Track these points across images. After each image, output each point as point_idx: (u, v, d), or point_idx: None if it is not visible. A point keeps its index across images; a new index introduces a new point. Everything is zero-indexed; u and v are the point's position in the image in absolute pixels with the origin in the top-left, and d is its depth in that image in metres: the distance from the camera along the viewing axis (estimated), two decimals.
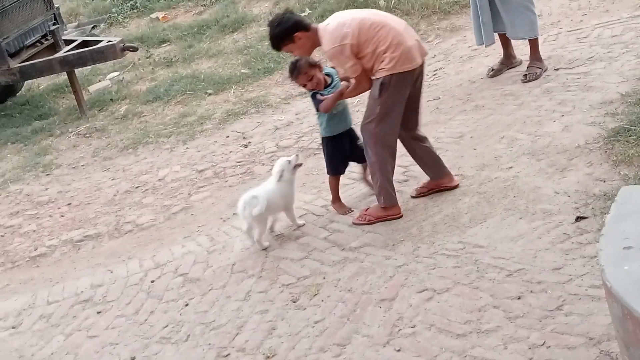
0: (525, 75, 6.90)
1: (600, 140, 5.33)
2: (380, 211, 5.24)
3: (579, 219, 4.50)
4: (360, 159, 5.46)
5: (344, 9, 9.78)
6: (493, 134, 5.99)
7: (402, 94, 5.03)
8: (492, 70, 7.29)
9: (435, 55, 8.54)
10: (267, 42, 9.82)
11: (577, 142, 5.43)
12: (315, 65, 5.28)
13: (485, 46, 7.27)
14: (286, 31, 5.04)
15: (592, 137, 5.42)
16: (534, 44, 7.00)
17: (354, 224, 5.27)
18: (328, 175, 5.55)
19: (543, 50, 7.14)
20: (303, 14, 10.35)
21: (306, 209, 5.65)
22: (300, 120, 7.71)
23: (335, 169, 5.50)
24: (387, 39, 4.89)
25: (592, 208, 4.56)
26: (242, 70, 9.45)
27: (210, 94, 8.99)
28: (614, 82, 6.22)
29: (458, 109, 6.76)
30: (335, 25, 4.95)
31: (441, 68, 8.07)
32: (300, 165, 5.50)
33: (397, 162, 5.90)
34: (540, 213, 4.71)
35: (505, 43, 7.26)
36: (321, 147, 5.64)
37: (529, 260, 4.26)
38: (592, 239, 4.23)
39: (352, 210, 5.46)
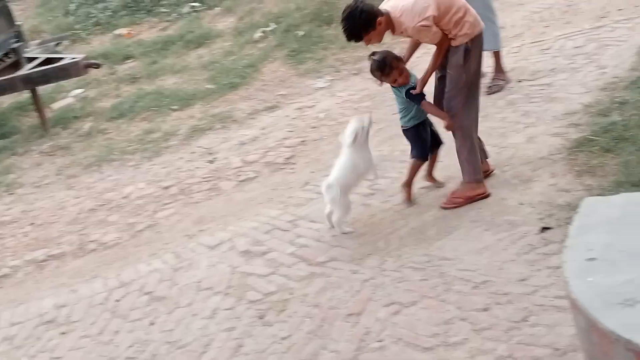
0: (489, 87, 6.93)
1: (564, 150, 5.37)
2: (467, 190, 5.19)
3: (543, 229, 4.52)
4: (435, 145, 5.50)
5: (308, 23, 9.95)
6: None
7: (480, 57, 5.22)
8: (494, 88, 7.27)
9: None
10: (232, 57, 9.97)
11: (541, 153, 5.46)
12: (401, 59, 5.27)
13: None
14: (370, 18, 4.96)
15: (556, 148, 5.46)
16: (497, 56, 7.04)
17: (443, 208, 5.21)
18: (413, 160, 5.48)
19: (506, 62, 7.19)
20: (267, 29, 10.36)
21: (272, 225, 5.62)
22: (266, 135, 7.68)
23: (426, 153, 5.47)
24: (460, 6, 5.05)
25: (557, 218, 4.58)
26: (207, 86, 9.40)
27: (175, 110, 8.93)
28: (576, 93, 6.28)
29: None
30: (411, 3, 4.95)
31: None
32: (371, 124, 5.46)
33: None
34: (505, 224, 4.72)
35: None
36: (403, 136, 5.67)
37: (494, 272, 4.26)
38: (557, 249, 4.23)
39: (414, 204, 5.39)
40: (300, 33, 9.86)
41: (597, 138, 5.32)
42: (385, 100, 7.67)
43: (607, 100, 5.89)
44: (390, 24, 5.04)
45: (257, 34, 10.39)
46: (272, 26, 10.41)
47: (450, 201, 5.23)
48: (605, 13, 8.26)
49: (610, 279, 2.42)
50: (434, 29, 4.98)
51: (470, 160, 5.21)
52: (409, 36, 5.19)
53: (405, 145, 6.32)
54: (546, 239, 4.44)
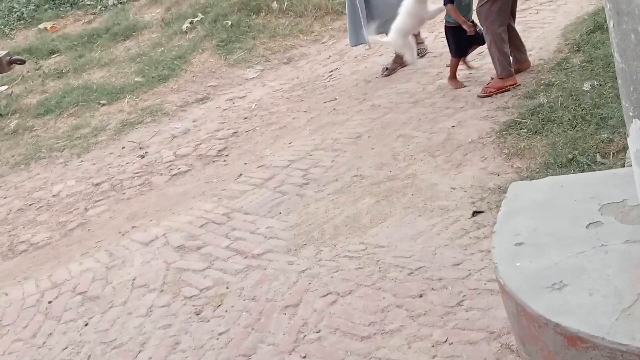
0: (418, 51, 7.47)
1: (493, 134, 5.43)
2: (499, 82, 6.07)
3: (475, 213, 4.56)
4: (481, 41, 6.37)
5: (236, 13, 9.87)
6: (390, 132, 6.04)
7: None
8: (387, 69, 7.38)
9: (330, 56, 8.57)
10: (161, 49, 9.83)
11: (470, 137, 5.51)
12: None
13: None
14: None
15: (485, 132, 5.52)
16: None
17: (479, 96, 6.11)
18: (451, 59, 6.56)
19: (436, 47, 7.31)
20: (195, 19, 10.24)
21: (207, 218, 5.57)
22: (197, 128, 7.61)
23: (460, 52, 6.52)
24: None
25: (488, 202, 4.63)
26: (135, 79, 9.26)
27: (103, 105, 8.77)
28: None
29: (355, 109, 6.79)
30: None
31: (337, 69, 8.10)
32: None
33: (296, 165, 5.95)
34: (438, 210, 4.76)
35: None
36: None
37: (429, 258, 4.29)
38: (489, 232, 4.27)
39: (465, 86, 6.45)
40: (229, 23, 9.77)
41: (524, 120, 5.39)
42: (316, 89, 7.69)
43: (534, 83, 5.98)
44: None
45: (185, 25, 10.26)
46: (200, 16, 10.30)
47: (484, 91, 6.11)
48: None
49: (538, 263, 2.45)
50: None
51: (500, 59, 6.04)
52: None
53: (338, 134, 6.36)
54: (478, 222, 4.48)
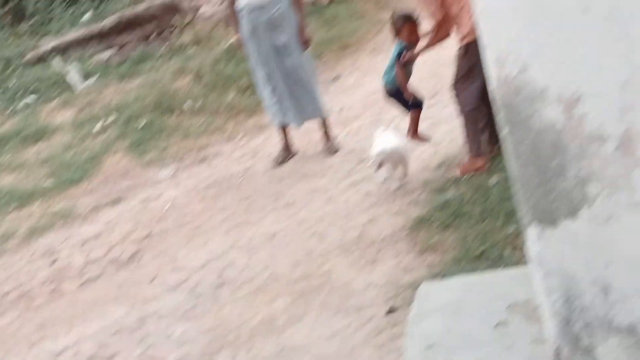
0: (329, 147, 7.69)
1: (405, 229, 5.51)
2: (471, 163, 5.98)
3: (390, 311, 4.57)
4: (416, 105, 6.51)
5: (149, 113, 9.88)
6: (304, 230, 6.06)
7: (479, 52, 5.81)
8: (280, 159, 7.63)
9: (244, 154, 8.61)
10: (73, 151, 9.72)
11: (383, 233, 5.57)
12: (416, 23, 6.26)
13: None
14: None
15: (398, 227, 5.59)
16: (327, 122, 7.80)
17: (457, 176, 5.96)
18: (411, 112, 6.57)
19: (346, 143, 7.44)
20: (108, 121, 10.19)
21: (120, 324, 5.42)
22: (110, 230, 7.46)
23: (415, 102, 6.50)
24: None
25: (402, 298, 4.65)
26: (46, 182, 9.09)
27: (12, 210, 8.56)
28: (414, 171, 6.48)
29: (269, 207, 6.80)
30: None
31: (251, 167, 8.14)
32: None
33: (212, 265, 5.90)
34: (353, 308, 4.75)
35: (285, 133, 7.87)
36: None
37: (345, 358, 4.26)
38: (403, 330, 4.29)
39: (429, 138, 6.71)
40: (142, 123, 9.76)
41: (435, 215, 5.49)
42: (231, 188, 7.69)
43: (443, 178, 6.12)
44: None
45: (97, 126, 10.20)
46: (113, 117, 10.26)
47: (462, 171, 5.98)
48: (437, 90, 8.63)
49: None
50: (435, 6, 5.78)
51: (471, 139, 6.00)
52: None
53: (253, 233, 6.35)
54: (393, 319, 4.49)
